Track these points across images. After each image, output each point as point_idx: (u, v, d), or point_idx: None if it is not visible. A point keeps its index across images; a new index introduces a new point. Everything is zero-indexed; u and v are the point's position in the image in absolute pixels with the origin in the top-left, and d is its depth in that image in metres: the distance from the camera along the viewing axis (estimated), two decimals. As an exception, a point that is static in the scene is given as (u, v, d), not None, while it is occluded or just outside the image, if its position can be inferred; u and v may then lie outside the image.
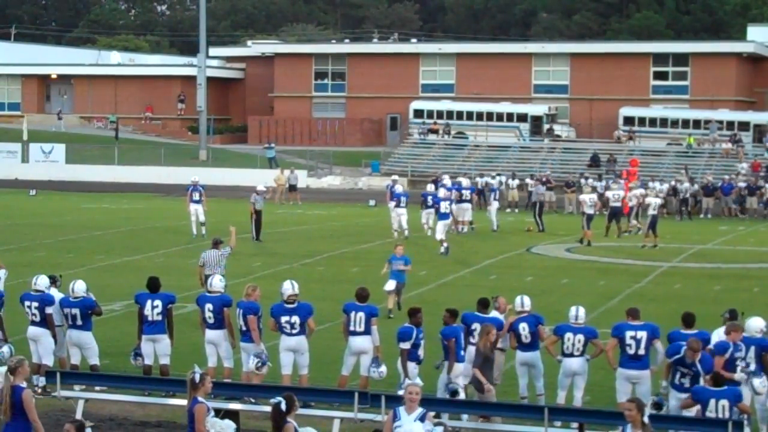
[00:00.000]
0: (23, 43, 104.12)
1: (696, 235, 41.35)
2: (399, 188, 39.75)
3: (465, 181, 42.16)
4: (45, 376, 16.91)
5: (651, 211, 37.96)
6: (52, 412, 15.72)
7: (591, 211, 38.35)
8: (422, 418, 11.94)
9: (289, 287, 17.00)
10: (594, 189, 45.74)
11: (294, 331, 16.85)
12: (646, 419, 11.75)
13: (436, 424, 12.31)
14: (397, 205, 38.86)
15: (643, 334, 15.70)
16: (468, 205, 40.75)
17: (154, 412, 16.33)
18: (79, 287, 17.72)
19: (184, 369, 18.12)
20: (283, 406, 11.22)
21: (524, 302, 16.83)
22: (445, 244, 34.59)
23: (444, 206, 36.39)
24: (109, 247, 35.81)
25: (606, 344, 16.19)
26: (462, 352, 16.01)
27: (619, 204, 40.09)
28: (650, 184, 49.36)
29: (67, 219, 45.44)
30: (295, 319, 16.83)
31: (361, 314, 16.93)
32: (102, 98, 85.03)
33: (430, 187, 41.26)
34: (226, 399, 15.69)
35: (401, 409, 11.96)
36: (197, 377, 11.82)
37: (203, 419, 11.66)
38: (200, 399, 11.74)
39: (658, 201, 39.36)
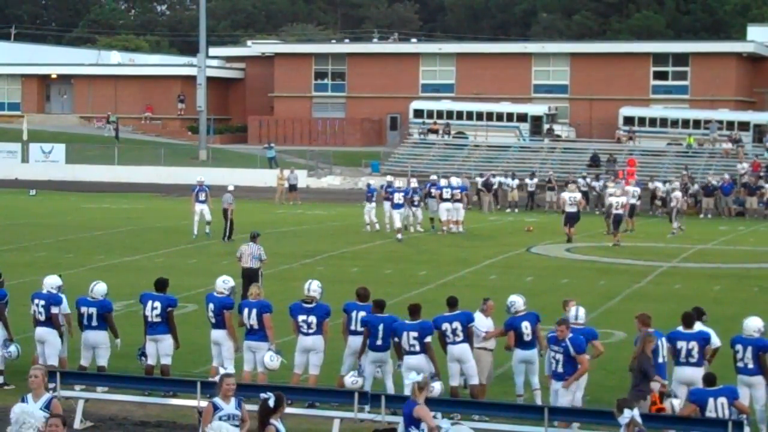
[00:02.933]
0: (23, 43, 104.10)
1: (696, 235, 41.35)
2: (372, 183, 42.01)
3: (455, 181, 41.94)
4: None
5: (615, 210, 38.17)
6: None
7: (573, 210, 38.47)
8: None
9: (306, 287, 17.28)
10: (578, 187, 45.67)
11: (310, 331, 17.00)
12: (621, 420, 11.78)
13: (453, 424, 12.47)
14: (369, 200, 40.44)
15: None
16: (450, 204, 40.51)
17: (155, 412, 16.35)
18: (100, 290, 17.71)
19: (183, 369, 18.20)
20: (271, 403, 11.22)
21: (520, 302, 16.88)
22: (399, 235, 37.99)
23: (397, 197, 38.89)
24: (109, 247, 35.82)
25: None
26: (378, 342, 16.50)
27: (621, 211, 39.58)
28: (614, 183, 48.87)
29: (67, 219, 45.44)
30: (312, 318, 16.99)
31: (362, 313, 17.00)
32: (102, 98, 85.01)
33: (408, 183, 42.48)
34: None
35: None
36: (272, 402, 11.26)
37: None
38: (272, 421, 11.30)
39: (623, 200, 39.38)
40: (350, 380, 16.43)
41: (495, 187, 54.15)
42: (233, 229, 37.41)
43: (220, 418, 12.14)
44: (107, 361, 17.69)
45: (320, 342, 17.03)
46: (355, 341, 16.99)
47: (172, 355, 17.60)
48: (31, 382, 12.09)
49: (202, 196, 38.16)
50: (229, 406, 12.18)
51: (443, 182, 41.22)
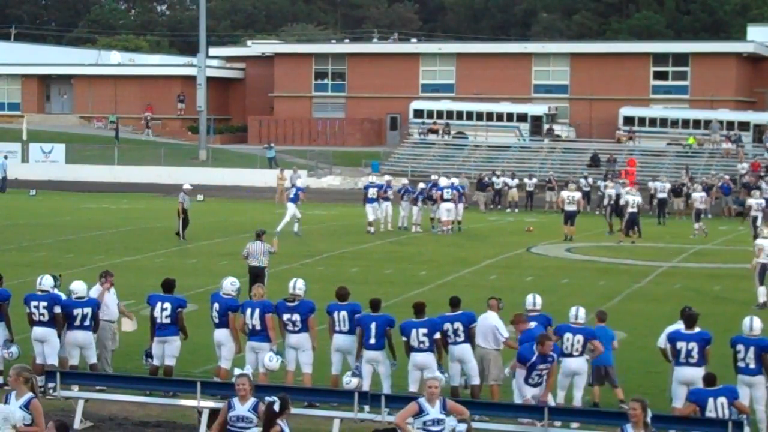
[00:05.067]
0: (23, 43, 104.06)
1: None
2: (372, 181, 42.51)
3: (444, 180, 42.07)
4: (45, 375, 16.90)
5: (630, 209, 38.49)
6: (52, 412, 15.71)
7: (572, 208, 38.79)
8: (444, 407, 12.48)
9: (291, 286, 17.33)
10: (579, 187, 45.74)
11: (295, 329, 17.04)
12: (648, 419, 11.79)
13: (459, 421, 12.50)
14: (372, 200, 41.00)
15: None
16: (451, 205, 40.56)
17: (155, 412, 16.35)
18: (78, 287, 17.72)
19: (184, 369, 18.19)
20: (276, 407, 11.22)
21: (536, 301, 16.91)
22: (371, 228, 39.79)
23: (371, 192, 40.05)
24: (109, 247, 35.82)
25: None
26: (371, 341, 16.50)
27: (635, 210, 39.57)
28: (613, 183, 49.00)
29: (67, 219, 45.44)
30: (296, 316, 17.00)
31: (343, 313, 17.08)
32: (102, 98, 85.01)
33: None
34: (222, 399, 15.70)
35: (424, 402, 12.41)
36: (277, 406, 11.32)
37: None
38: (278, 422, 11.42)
39: (638, 199, 39.53)
40: (345, 380, 16.51)
41: (498, 186, 54.23)
42: (186, 227, 37.52)
43: (230, 419, 12.11)
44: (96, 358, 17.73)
45: (306, 340, 17.08)
46: (338, 340, 17.07)
47: (177, 356, 17.63)
48: (9, 382, 12.27)
49: (291, 194, 39.18)
50: (243, 408, 12.11)
51: (444, 182, 41.21)
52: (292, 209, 38.88)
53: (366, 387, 16.39)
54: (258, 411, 12.01)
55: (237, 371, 12.88)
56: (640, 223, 40.33)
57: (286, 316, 17.07)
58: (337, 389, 16.57)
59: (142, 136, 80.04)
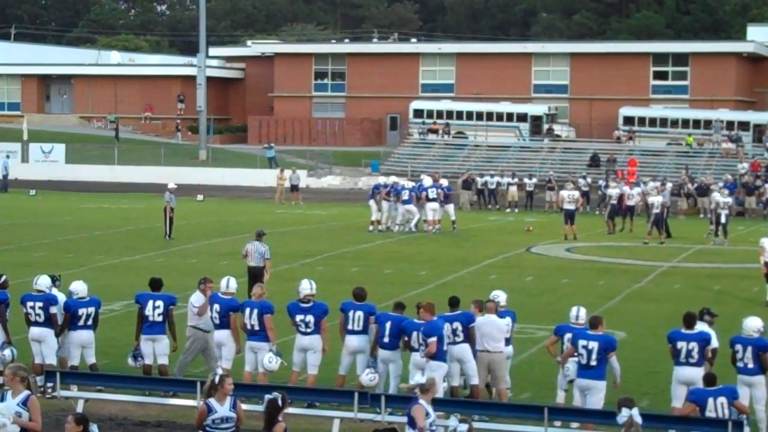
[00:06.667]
0: (23, 43, 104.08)
1: (696, 235, 41.34)
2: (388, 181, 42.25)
3: (444, 181, 42.09)
4: (44, 375, 16.91)
5: (654, 210, 38.63)
6: (52, 412, 15.71)
7: (571, 207, 39.19)
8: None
9: (307, 287, 17.26)
10: (577, 186, 45.77)
11: (308, 330, 17.02)
12: (619, 419, 11.86)
13: (461, 421, 12.52)
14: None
15: (595, 345, 15.25)
16: (436, 205, 40.55)
17: (154, 412, 16.36)
18: (80, 287, 17.75)
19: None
20: (280, 402, 11.43)
21: (502, 298, 16.99)
22: (371, 227, 40.57)
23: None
24: (109, 247, 35.82)
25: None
26: (384, 340, 16.58)
27: (659, 211, 39.50)
28: (651, 183, 49.16)
29: (67, 219, 45.44)
30: (310, 318, 17.00)
31: (359, 313, 17.05)
32: (102, 98, 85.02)
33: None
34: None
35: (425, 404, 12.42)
36: (280, 401, 11.70)
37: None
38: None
39: (660, 199, 39.56)
40: (367, 378, 16.50)
41: (492, 186, 54.32)
42: (172, 227, 37.59)
43: (213, 422, 12.07)
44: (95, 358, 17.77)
45: (317, 341, 17.05)
46: (352, 341, 17.04)
47: (168, 354, 17.63)
48: (6, 381, 12.32)
49: (405, 196, 40.09)
50: (224, 408, 12.10)
51: (428, 182, 41.08)
52: (413, 209, 40.09)
53: (380, 386, 16.43)
54: (236, 409, 12.10)
55: (219, 371, 12.89)
56: (668, 223, 40.46)
57: (299, 317, 17.02)
58: (336, 389, 16.57)
59: (172, 140, 79.74)
